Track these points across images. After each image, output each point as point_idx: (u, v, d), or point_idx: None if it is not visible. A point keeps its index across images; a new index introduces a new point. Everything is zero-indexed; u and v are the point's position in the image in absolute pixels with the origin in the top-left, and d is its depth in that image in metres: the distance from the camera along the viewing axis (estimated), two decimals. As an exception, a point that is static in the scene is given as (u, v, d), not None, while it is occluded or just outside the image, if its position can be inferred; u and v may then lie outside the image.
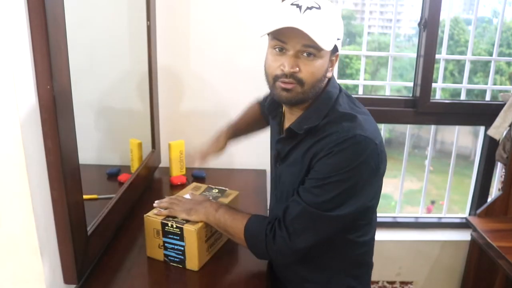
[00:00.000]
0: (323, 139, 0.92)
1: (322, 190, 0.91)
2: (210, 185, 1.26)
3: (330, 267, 1.05)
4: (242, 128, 1.36)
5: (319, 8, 0.88)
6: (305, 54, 0.89)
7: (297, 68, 0.90)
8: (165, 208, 1.07)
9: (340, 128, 0.91)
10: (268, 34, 0.92)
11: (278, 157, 1.06)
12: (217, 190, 1.22)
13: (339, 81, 1.01)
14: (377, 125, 0.98)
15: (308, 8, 0.87)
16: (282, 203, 1.02)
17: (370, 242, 1.07)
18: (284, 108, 1.06)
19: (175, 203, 1.08)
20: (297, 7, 0.87)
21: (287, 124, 1.02)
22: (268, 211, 1.42)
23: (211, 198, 1.17)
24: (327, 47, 0.88)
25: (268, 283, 1.06)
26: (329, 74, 0.96)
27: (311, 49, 0.88)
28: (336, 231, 0.96)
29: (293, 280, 1.09)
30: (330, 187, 0.90)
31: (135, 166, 1.41)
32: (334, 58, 0.96)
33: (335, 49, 0.93)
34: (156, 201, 1.10)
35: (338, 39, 0.93)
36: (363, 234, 1.03)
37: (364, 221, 1.02)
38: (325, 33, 0.88)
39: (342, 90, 1.01)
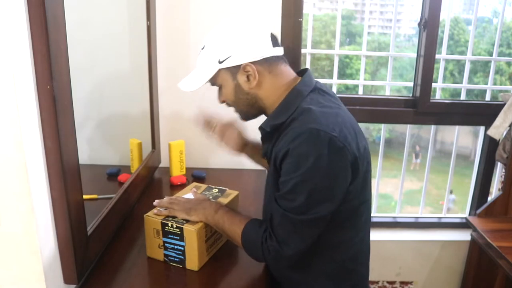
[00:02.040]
0: (284, 137, 0.94)
1: (294, 194, 0.91)
2: (210, 185, 1.26)
3: (315, 269, 1.03)
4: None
5: (203, 48, 1.02)
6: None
7: (222, 98, 1.07)
8: (165, 208, 1.07)
9: (296, 124, 0.93)
10: None
11: (266, 157, 1.08)
12: (217, 190, 1.22)
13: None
14: (347, 119, 0.96)
15: (200, 50, 1.03)
16: (268, 204, 1.04)
17: (355, 245, 1.04)
18: None
19: (175, 203, 1.08)
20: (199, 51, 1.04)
21: None
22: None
23: (211, 197, 1.17)
24: (194, 87, 1.03)
25: (268, 283, 1.06)
26: (251, 85, 1.00)
27: (213, 85, 1.06)
28: (320, 231, 0.95)
29: (287, 283, 1.09)
30: (298, 188, 0.90)
31: (135, 166, 1.41)
32: (247, 68, 0.98)
33: (234, 68, 0.99)
34: (156, 201, 1.10)
35: (226, 58, 0.98)
36: (347, 237, 1.02)
37: (348, 223, 1.00)
38: (195, 77, 1.04)
39: (317, 88, 1.02)
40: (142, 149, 1.48)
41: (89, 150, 1.08)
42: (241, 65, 0.98)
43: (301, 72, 1.06)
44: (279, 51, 1.02)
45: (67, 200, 0.86)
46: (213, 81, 1.03)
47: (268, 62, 1.00)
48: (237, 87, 1.01)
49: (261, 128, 1.05)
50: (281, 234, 0.93)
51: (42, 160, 0.82)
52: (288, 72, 1.04)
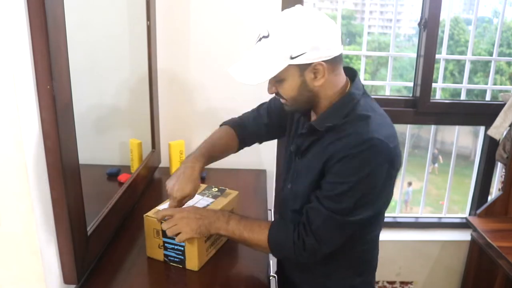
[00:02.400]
0: (342, 139, 0.95)
1: (343, 196, 0.93)
2: (209, 185, 1.26)
3: (335, 261, 1.06)
4: (216, 155, 1.22)
5: (267, 36, 0.93)
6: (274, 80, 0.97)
7: (275, 91, 1.00)
8: (168, 220, 1.03)
9: (357, 130, 0.94)
10: None
11: (297, 151, 1.07)
12: (216, 189, 1.22)
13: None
14: (395, 128, 1.00)
15: (259, 40, 0.95)
16: (299, 198, 1.03)
17: (373, 240, 1.09)
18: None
19: (182, 225, 1.01)
20: (257, 40, 0.96)
21: (313, 118, 1.07)
22: (268, 211, 1.42)
23: (210, 196, 1.17)
24: (260, 80, 0.93)
25: (267, 283, 1.06)
26: (317, 83, 0.96)
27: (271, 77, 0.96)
28: (357, 231, 0.99)
29: (310, 279, 1.10)
30: (350, 192, 0.92)
31: (135, 166, 1.41)
32: (317, 67, 0.94)
33: (304, 65, 0.93)
34: (160, 209, 1.07)
35: (301, 54, 0.91)
36: (367, 232, 1.05)
37: (376, 222, 1.05)
38: (259, 69, 0.94)
39: (365, 92, 1.02)
40: (142, 149, 1.48)
41: (89, 150, 1.08)
42: (312, 63, 0.93)
43: (347, 71, 1.04)
44: (342, 49, 1.00)
45: (67, 200, 0.86)
46: (278, 74, 0.95)
47: (335, 61, 0.97)
48: (302, 84, 0.96)
49: (310, 126, 1.01)
50: (322, 234, 0.95)
51: (42, 160, 0.82)
52: (343, 73, 1.02)
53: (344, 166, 0.93)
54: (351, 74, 1.04)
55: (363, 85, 1.03)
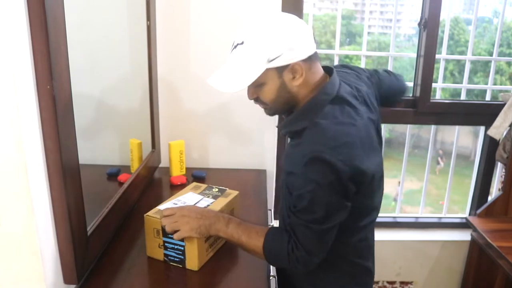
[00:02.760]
0: (295, 148, 0.98)
1: (312, 207, 0.93)
2: (210, 185, 1.26)
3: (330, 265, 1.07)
4: None
5: (242, 43, 0.95)
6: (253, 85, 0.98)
7: (255, 95, 1.02)
8: (169, 216, 1.04)
9: (307, 140, 0.95)
10: None
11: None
12: (217, 189, 1.22)
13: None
14: (358, 136, 0.95)
15: (234, 47, 0.97)
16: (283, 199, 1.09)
17: (362, 240, 1.09)
18: None
19: (182, 222, 1.02)
20: (233, 48, 0.98)
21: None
22: (268, 211, 1.42)
23: (211, 197, 1.17)
24: (239, 88, 0.95)
25: (267, 283, 1.06)
26: (295, 83, 0.97)
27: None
28: (340, 235, 1.01)
29: (310, 279, 1.12)
30: (316, 202, 0.93)
31: (135, 166, 1.41)
32: (295, 67, 0.95)
33: (281, 67, 0.95)
34: (161, 208, 1.07)
35: (276, 57, 0.92)
36: (352, 233, 1.06)
37: (353, 225, 1.05)
38: (238, 76, 0.95)
39: (338, 96, 0.99)
40: (142, 149, 1.48)
41: (89, 150, 1.08)
42: (290, 64, 0.95)
43: (326, 69, 1.05)
44: (316, 47, 1.01)
45: (67, 200, 0.86)
46: (257, 79, 0.96)
47: (310, 59, 0.98)
48: (281, 86, 0.98)
49: (278, 129, 1.08)
50: (307, 245, 0.96)
51: (42, 160, 0.82)
52: (320, 69, 1.03)
53: (293, 181, 0.96)
54: (329, 72, 1.04)
55: (341, 87, 1.00)
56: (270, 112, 1.06)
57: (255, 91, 1.01)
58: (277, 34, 0.93)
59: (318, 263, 0.99)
